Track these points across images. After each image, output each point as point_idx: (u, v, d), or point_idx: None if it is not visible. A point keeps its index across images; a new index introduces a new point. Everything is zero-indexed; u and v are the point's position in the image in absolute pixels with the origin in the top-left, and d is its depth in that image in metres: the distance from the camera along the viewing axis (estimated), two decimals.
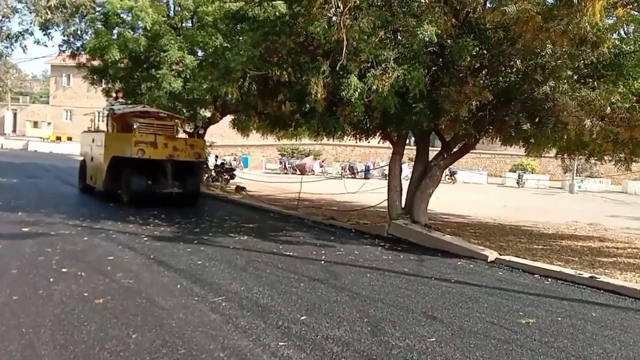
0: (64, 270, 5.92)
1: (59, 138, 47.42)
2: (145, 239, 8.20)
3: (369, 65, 8.49)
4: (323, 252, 7.91)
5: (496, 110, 9.37)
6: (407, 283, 6.26)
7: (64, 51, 18.48)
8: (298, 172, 32.20)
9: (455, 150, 10.49)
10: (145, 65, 18.51)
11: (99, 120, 15.86)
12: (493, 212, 16.29)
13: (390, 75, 8.29)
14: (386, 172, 32.53)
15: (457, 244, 8.56)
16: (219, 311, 4.75)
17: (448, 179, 32.69)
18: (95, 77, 20.33)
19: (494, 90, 9.04)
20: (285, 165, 33.57)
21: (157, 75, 15.40)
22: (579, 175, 34.37)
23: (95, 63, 20.20)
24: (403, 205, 10.24)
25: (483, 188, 31.54)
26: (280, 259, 7.25)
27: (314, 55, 9.48)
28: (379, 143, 11.79)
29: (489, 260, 7.91)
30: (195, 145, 12.87)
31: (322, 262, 7.17)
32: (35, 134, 49.36)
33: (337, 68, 8.19)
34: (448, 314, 5.08)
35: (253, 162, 35.34)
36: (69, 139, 47.45)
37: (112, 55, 15.78)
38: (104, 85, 20.69)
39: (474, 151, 37.83)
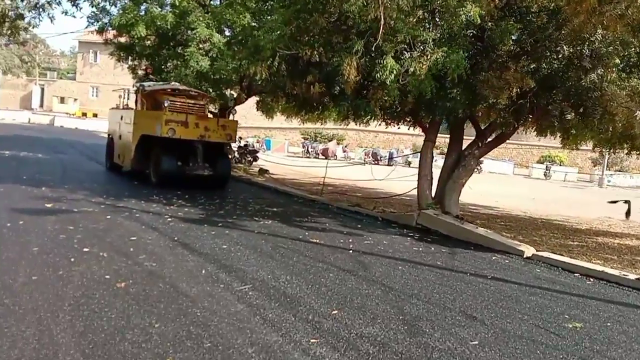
0: (85, 250, 5.72)
1: (84, 114, 47.82)
2: (169, 219, 7.99)
3: (405, 46, 8.08)
4: (350, 240, 7.61)
5: (537, 99, 8.90)
6: (441, 278, 5.93)
7: (92, 23, 18.26)
8: (322, 156, 31.91)
9: (490, 139, 10.05)
10: (172, 43, 18.27)
11: (127, 98, 15.61)
12: (522, 205, 15.79)
13: (429, 57, 7.89)
14: (410, 159, 32.17)
15: (491, 238, 8.18)
16: (245, 301, 4.49)
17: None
18: (122, 54, 20.18)
19: (536, 77, 8.56)
20: (308, 149, 33.27)
21: (185, 54, 15.10)
22: (609, 169, 33.42)
23: (122, 40, 20.08)
24: (433, 195, 9.86)
25: (509, 179, 30.87)
26: (306, 246, 6.97)
27: (347, 35, 9.07)
28: (408, 129, 11.35)
29: (525, 256, 7.52)
30: (227, 126, 12.25)
31: (351, 251, 6.87)
32: (61, 110, 49.86)
33: (373, 48, 7.82)
34: (488, 314, 4.75)
35: (275, 145, 35.11)
36: (95, 115, 47.85)
37: (139, 31, 15.53)
38: (130, 63, 20.56)
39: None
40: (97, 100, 53.11)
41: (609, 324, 4.81)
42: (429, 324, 4.31)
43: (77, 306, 4.05)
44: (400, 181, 16.36)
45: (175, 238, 6.72)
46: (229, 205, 10.04)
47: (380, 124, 10.87)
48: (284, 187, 13.90)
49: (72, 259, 5.30)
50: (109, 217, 7.78)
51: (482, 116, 9.41)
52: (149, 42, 19.43)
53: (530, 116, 9.30)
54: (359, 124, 11.81)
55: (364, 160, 31.10)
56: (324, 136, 37.65)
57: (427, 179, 9.77)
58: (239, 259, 5.93)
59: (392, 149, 33.98)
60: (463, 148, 9.94)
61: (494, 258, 7.31)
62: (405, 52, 7.95)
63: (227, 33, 16.83)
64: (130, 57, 20.25)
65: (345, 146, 36.07)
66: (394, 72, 7.69)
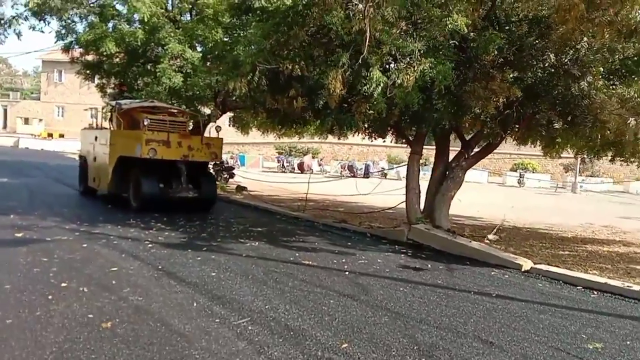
0: (63, 285, 5.25)
1: (50, 135, 46.50)
2: (150, 245, 7.53)
3: (390, 58, 7.88)
4: (344, 260, 7.29)
5: (523, 108, 8.78)
6: (446, 298, 5.65)
7: (62, 38, 17.61)
8: (297, 170, 31.59)
9: (477, 150, 9.91)
10: (142, 60, 17.81)
11: (101, 117, 14.85)
12: (502, 213, 15.71)
13: (415, 68, 7.69)
14: (386, 172, 32.08)
15: (485, 252, 7.97)
16: (246, 337, 4.11)
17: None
18: (89, 72, 19.59)
19: (521, 86, 8.44)
20: (283, 164, 32.91)
21: (157, 70, 14.66)
22: (580, 175, 33.97)
23: (89, 58, 19.49)
24: (422, 209, 9.63)
25: (485, 187, 31.04)
26: (299, 269, 6.61)
27: (329, 48, 8.85)
28: (390, 142, 11.11)
29: (523, 270, 7.31)
30: (212, 144, 11.48)
31: (347, 272, 6.54)
32: (26, 131, 48.37)
33: (359, 61, 7.57)
34: (504, 338, 4.47)
35: (250, 160, 34.64)
36: (61, 136, 46.61)
37: (108, 48, 15.04)
38: (98, 81, 19.97)
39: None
40: (63, 120, 51.76)
41: (628, 342, 4.59)
42: (446, 354, 4.00)
43: (61, 353, 3.61)
44: (382, 195, 16.18)
45: (159, 266, 6.28)
46: (211, 227, 9.61)
47: (364, 137, 10.61)
48: (265, 205, 13.50)
49: (50, 297, 4.83)
50: (85, 245, 7.28)
51: (469, 127, 9.26)
52: (117, 59, 18.91)
53: (517, 126, 9.18)
54: (339, 137, 11.57)
55: (341, 174, 30.90)
56: (298, 150, 37.36)
57: (415, 192, 9.55)
58: (230, 287, 5.53)
59: (367, 161, 33.85)
60: (449, 160, 9.75)
61: (492, 273, 7.08)
62: (391, 64, 7.74)
63: (199, 49, 16.45)
64: (97, 76, 19.67)
65: (321, 159, 35.84)
66: (381, 84, 7.47)
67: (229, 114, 20.91)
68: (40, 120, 51.56)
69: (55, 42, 18.74)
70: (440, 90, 8.00)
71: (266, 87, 9.28)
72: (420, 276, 6.65)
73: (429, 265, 7.32)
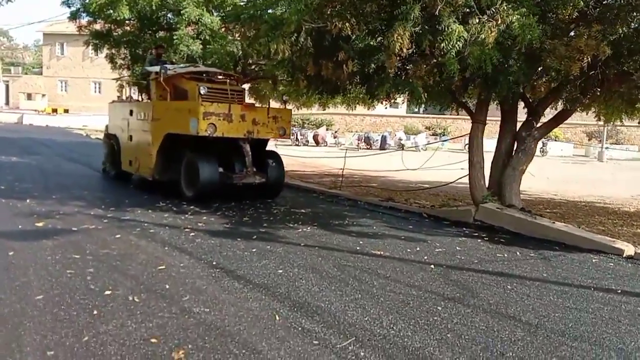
0: (107, 292, 4.26)
1: (55, 110, 45.31)
2: (193, 234, 6.54)
3: (468, 10, 6.74)
4: (418, 249, 6.28)
5: (608, 67, 7.64)
6: (568, 298, 4.64)
7: (68, 5, 16.32)
8: (312, 142, 30.48)
9: (544, 117, 8.81)
10: (154, 27, 16.59)
11: (130, 88, 12.76)
12: (541, 186, 14.63)
13: (499, 22, 6.55)
14: (404, 143, 30.92)
15: (574, 234, 6.95)
16: None
17: (466, 147, 30.92)
18: (97, 42, 18.36)
19: (612, 43, 7.30)
20: (297, 136, 31.75)
21: (174, 37, 13.48)
22: (606, 142, 32.73)
23: (97, 27, 18.25)
24: (487, 185, 8.59)
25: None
26: (374, 262, 5.61)
27: (383, 2, 7.71)
28: (448, 111, 9.98)
29: (625, 255, 6.31)
30: (280, 117, 9.35)
31: (431, 266, 5.54)
32: (29, 107, 47.20)
33: (433, 13, 6.44)
34: None
35: None
36: (66, 111, 45.45)
37: (121, 13, 13.82)
38: (107, 52, 18.76)
39: (490, 118, 36.13)
40: (67, 94, 50.49)
41: None
42: None
43: None
44: (415, 170, 15.13)
45: (214, 262, 5.28)
46: (250, 209, 8.59)
47: (417, 107, 9.47)
48: (297, 182, 12.47)
49: (95, 312, 3.83)
50: (118, 236, 6.29)
51: (544, 91, 8.12)
52: (127, 27, 17.68)
53: (598, 89, 8.05)
54: (368, 108, 10.51)
55: (358, 146, 29.78)
56: (311, 122, 36.14)
57: (480, 166, 8.48)
58: (308, 290, 4.54)
59: (385, 132, 32.63)
60: (517, 130, 8.66)
61: (594, 261, 6.07)
62: (470, 17, 6.59)
63: (215, 13, 15.17)
64: (106, 46, 18.47)
65: (335, 132, 34.66)
66: (461, 40, 6.34)
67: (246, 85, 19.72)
68: (44, 95, 50.31)
69: (62, 9, 17.35)
70: (520, 49, 6.91)
71: (312, 49, 8.15)
72: (516, 267, 5.64)
73: (518, 253, 6.31)
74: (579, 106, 8.32)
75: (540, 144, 32.49)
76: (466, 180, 9.03)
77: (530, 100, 8.95)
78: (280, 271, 5.05)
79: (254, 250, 5.84)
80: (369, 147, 29.73)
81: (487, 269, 5.54)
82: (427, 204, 10.01)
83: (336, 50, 8.32)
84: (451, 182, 11.25)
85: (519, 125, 8.72)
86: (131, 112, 10.56)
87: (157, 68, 9.98)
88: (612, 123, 11.27)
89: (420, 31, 6.75)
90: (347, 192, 11.14)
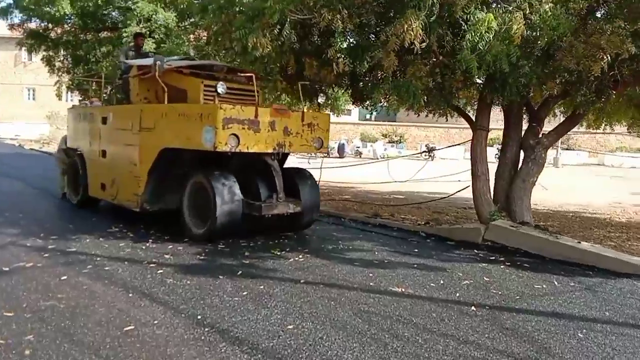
0: None
1: None
2: (160, 270, 5.21)
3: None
4: (442, 282, 5.21)
5: (624, 67, 6.88)
6: None
7: None
8: None
9: (550, 124, 8.01)
10: (98, 26, 15.00)
11: (104, 88, 10.04)
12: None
13: (527, 12, 5.63)
14: (361, 150, 30.12)
15: (605, 255, 6.08)
16: None
17: (426, 155, 30.31)
18: (33, 42, 16.54)
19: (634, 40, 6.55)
20: None
21: (124, 35, 12.00)
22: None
23: (32, 26, 16.44)
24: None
25: (463, 163, 29.60)
26: (400, 304, 4.48)
27: None
28: (442, 118, 8.96)
29: None
30: (317, 124, 7.12)
31: (472, 307, 4.46)
32: None
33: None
34: None
35: None
36: None
37: (61, 8, 12.21)
38: (44, 53, 16.93)
39: (445, 124, 35.89)
40: None
41: None
42: None
43: None
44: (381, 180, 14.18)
45: (198, 316, 4.00)
46: None
47: (371, 113, 8.43)
48: None
49: None
50: (64, 278, 4.88)
51: (556, 94, 7.28)
52: (67, 26, 15.98)
53: (613, 91, 7.27)
54: (368, 111, 9.44)
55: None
56: None
57: (485, 178, 7.54)
58: (337, 356, 3.35)
59: (341, 140, 31.72)
60: (522, 137, 7.80)
61: None
62: (493, 5, 5.64)
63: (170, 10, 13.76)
64: (43, 47, 16.67)
65: None
66: (491, 31, 5.36)
67: None
68: None
69: None
70: (545, 47, 6.07)
71: (296, 43, 7.00)
72: (567, 304, 4.67)
73: (556, 283, 5.34)
74: (587, 110, 7.52)
75: (495, 150, 32.66)
76: (440, 190, 8.11)
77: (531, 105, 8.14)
78: (291, 327, 3.84)
79: (245, 293, 4.59)
80: (326, 154, 28.71)
81: (536, 307, 4.53)
82: (414, 218, 9.02)
83: (323, 46, 7.24)
84: (444, 197, 10.33)
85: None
86: (104, 120, 8.02)
87: (144, 61, 7.82)
88: (601, 129, 10.65)
89: (433, 22, 5.74)
90: (325, 206, 10.00)
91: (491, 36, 5.35)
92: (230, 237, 6.62)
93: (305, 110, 7.32)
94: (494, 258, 6.33)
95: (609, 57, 6.27)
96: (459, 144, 21.13)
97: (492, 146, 31.59)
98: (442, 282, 5.19)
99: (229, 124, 6.08)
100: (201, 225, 6.60)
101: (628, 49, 6.29)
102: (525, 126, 8.00)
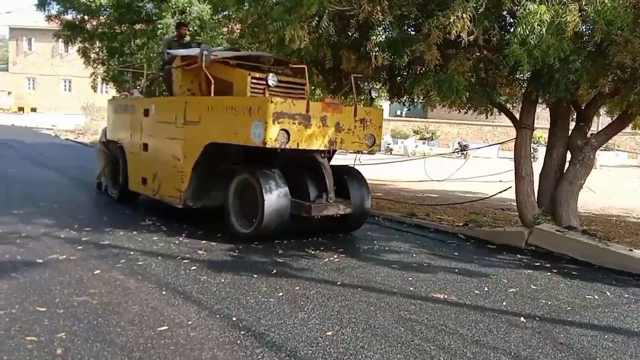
0: None
1: (21, 109, 42.93)
2: (193, 267, 5.09)
3: None
4: (486, 289, 4.94)
5: None
6: None
7: None
8: None
9: (599, 124, 7.61)
10: (133, 17, 15.04)
11: (145, 81, 9.63)
12: None
13: (583, 4, 5.30)
14: (392, 147, 29.64)
15: None
16: None
17: (459, 153, 29.77)
18: (69, 33, 16.73)
19: None
20: None
21: (158, 27, 11.97)
22: None
23: (69, 17, 16.64)
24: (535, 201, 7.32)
25: (497, 163, 28.97)
26: (444, 312, 4.24)
27: None
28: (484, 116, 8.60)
29: None
30: (370, 120, 6.64)
31: (521, 318, 4.20)
32: None
33: None
34: None
35: None
36: (33, 110, 43.13)
37: (97, 0, 12.25)
38: (80, 45, 17.12)
39: (478, 122, 35.18)
40: (35, 92, 47.90)
41: None
42: None
43: None
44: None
45: (233, 317, 3.85)
46: None
47: (457, 109, 8.11)
48: None
49: None
50: (98, 272, 4.80)
51: (608, 93, 6.89)
52: (102, 18, 16.10)
53: None
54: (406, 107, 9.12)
55: None
56: None
57: (530, 179, 7.21)
58: None
59: None
60: (569, 138, 7.42)
61: None
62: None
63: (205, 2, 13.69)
64: (79, 39, 16.84)
65: None
66: (544, 25, 5.05)
67: None
68: (9, 93, 47.64)
69: None
70: (599, 44, 5.72)
71: (335, 36, 6.79)
72: (623, 317, 4.36)
73: (608, 293, 5.02)
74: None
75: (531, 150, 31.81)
76: (475, 189, 7.78)
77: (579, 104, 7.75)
78: (330, 333, 3.65)
79: (281, 294, 4.42)
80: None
81: (589, 320, 4.24)
82: (450, 219, 8.72)
83: (362, 39, 7.01)
84: (482, 198, 9.98)
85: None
86: (146, 112, 7.73)
87: (189, 51, 7.53)
88: None
89: (480, 14, 5.45)
90: None
91: (543, 29, 5.02)
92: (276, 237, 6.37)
93: (357, 105, 6.75)
94: (539, 264, 6.02)
95: None
96: (500, 143, 20.56)
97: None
98: (486, 289, 4.93)
99: (280, 119, 5.74)
100: (247, 224, 6.28)
101: None
102: (571, 126, 7.64)
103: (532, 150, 26.21)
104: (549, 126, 7.60)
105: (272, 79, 6.01)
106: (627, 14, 5.40)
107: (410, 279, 5.13)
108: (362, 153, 7.38)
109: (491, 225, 7.84)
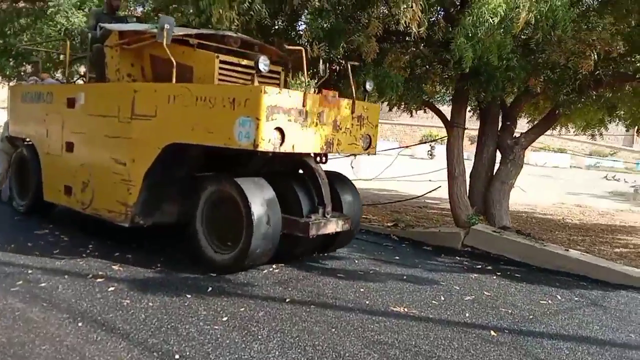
0: None
1: None
2: (111, 288, 4.27)
3: None
4: (442, 297, 4.63)
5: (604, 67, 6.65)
6: None
7: None
8: None
9: (523, 124, 7.70)
10: None
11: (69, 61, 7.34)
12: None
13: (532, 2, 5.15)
14: None
15: (596, 265, 5.78)
16: None
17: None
18: None
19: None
20: None
21: (50, 5, 10.54)
22: None
23: None
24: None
25: (397, 160, 29.69)
26: (412, 330, 3.84)
27: None
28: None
29: None
30: (366, 117, 5.54)
31: (490, 332, 3.91)
32: None
33: None
34: None
35: None
36: None
37: None
38: None
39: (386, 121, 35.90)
40: None
41: None
42: None
43: None
44: None
45: (177, 355, 3.15)
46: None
47: (389, 107, 7.79)
48: None
49: None
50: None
51: (540, 92, 6.92)
52: None
53: (594, 92, 7.02)
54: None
55: None
56: None
57: (463, 179, 7.09)
58: None
59: None
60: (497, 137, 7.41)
61: None
62: None
63: None
64: None
65: None
66: (498, 15, 4.83)
67: None
68: None
69: None
70: (538, 39, 5.67)
71: (268, 20, 6.20)
72: (588, 326, 4.23)
73: (559, 297, 4.92)
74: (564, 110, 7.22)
75: (428, 147, 33.04)
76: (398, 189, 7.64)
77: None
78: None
79: (226, 319, 3.76)
80: None
81: (556, 329, 4.06)
82: (375, 219, 8.45)
83: (294, 25, 6.52)
84: (413, 198, 9.84)
85: None
86: (71, 103, 6.04)
87: (134, 26, 6.27)
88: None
89: (432, 3, 5.15)
90: None
91: (496, 21, 4.80)
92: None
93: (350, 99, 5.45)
94: (480, 267, 5.87)
95: (596, 55, 5.98)
96: (422, 143, 20.89)
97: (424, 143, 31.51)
98: (442, 298, 4.62)
99: (273, 114, 4.48)
100: (225, 249, 4.96)
101: (617, 46, 6.08)
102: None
103: (430, 147, 26.73)
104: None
105: (263, 63, 4.61)
106: (569, 14, 5.34)
107: (362, 290, 4.69)
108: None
109: (415, 225, 7.66)
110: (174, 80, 4.94)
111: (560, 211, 12.00)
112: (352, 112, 5.35)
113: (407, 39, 6.74)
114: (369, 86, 5.52)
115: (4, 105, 10.81)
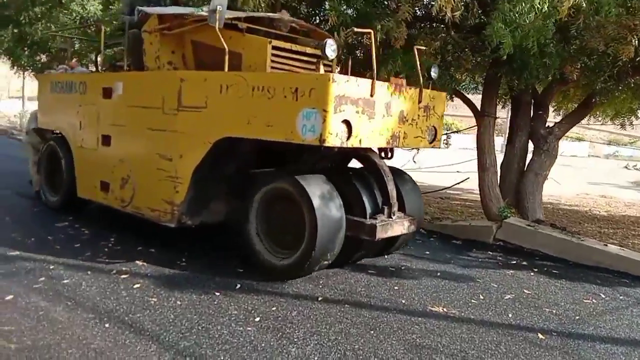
0: None
1: None
2: (136, 285, 4.10)
3: None
4: (480, 296, 4.41)
5: None
6: None
7: None
8: None
9: (554, 114, 7.40)
10: None
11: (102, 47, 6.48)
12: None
13: None
14: None
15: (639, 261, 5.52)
16: None
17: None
18: None
19: None
20: None
21: None
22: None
23: None
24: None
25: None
26: (455, 332, 3.63)
27: None
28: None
29: None
30: (432, 107, 5.08)
31: (538, 334, 3.68)
32: None
33: None
34: None
35: None
36: None
37: None
38: None
39: None
40: None
41: None
42: None
43: None
44: None
45: None
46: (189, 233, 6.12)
47: None
48: None
49: None
50: (9, 297, 3.69)
51: (576, 80, 6.62)
52: None
53: (632, 79, 6.70)
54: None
55: None
56: None
57: (494, 171, 6.83)
58: None
59: None
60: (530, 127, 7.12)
61: None
62: None
63: None
64: None
65: None
66: (547, 2, 4.56)
67: None
68: None
69: None
70: (580, 26, 5.38)
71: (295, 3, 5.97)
72: (635, 325, 4.00)
73: (602, 295, 4.68)
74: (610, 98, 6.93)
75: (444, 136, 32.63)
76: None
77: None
78: None
79: (258, 320, 3.58)
80: None
81: (607, 333, 3.81)
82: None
83: (321, 11, 6.26)
84: (443, 189, 9.57)
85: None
86: (108, 93, 5.58)
87: (175, 9, 5.70)
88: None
89: None
90: None
91: (545, 6, 4.52)
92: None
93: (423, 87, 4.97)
94: (515, 262, 5.63)
95: (637, 41, 5.67)
96: (456, 132, 20.46)
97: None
98: (481, 297, 4.40)
99: (341, 105, 4.01)
100: (284, 253, 4.53)
101: None
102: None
103: (446, 137, 26.14)
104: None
105: (330, 48, 4.10)
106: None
107: (396, 287, 4.48)
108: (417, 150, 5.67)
109: (442, 218, 7.42)
110: (225, 68, 4.50)
111: (585, 202, 11.70)
112: (419, 101, 4.88)
113: (434, 24, 6.45)
114: (434, 73, 4.99)
115: (19, 95, 10.67)
